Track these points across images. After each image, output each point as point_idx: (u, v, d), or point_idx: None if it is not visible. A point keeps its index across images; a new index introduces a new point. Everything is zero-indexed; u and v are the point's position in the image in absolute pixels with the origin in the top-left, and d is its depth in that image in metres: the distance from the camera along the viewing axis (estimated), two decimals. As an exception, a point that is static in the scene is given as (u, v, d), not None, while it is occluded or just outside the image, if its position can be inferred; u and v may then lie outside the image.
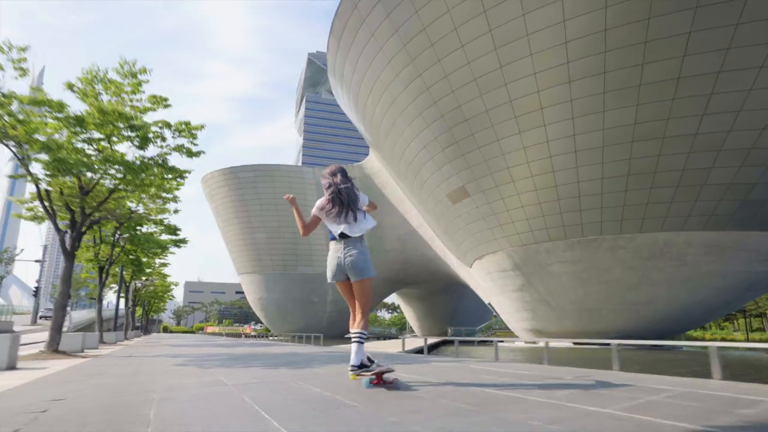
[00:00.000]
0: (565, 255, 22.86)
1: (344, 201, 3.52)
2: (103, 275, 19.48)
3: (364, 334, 3.44)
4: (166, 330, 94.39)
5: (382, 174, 42.76)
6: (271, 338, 48.72)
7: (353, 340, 3.41)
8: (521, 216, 22.85)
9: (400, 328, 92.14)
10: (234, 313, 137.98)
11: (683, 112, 17.22)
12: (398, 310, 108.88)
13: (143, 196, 15.23)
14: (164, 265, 34.00)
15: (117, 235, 19.16)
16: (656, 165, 18.65)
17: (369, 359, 3.46)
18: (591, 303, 23.92)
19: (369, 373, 3.37)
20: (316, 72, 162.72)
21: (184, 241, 21.48)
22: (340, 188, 3.56)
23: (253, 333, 66.70)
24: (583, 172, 19.93)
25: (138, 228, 18.80)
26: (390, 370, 3.42)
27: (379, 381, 3.43)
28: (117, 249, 20.20)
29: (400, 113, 24.60)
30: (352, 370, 3.37)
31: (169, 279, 44.85)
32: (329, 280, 3.66)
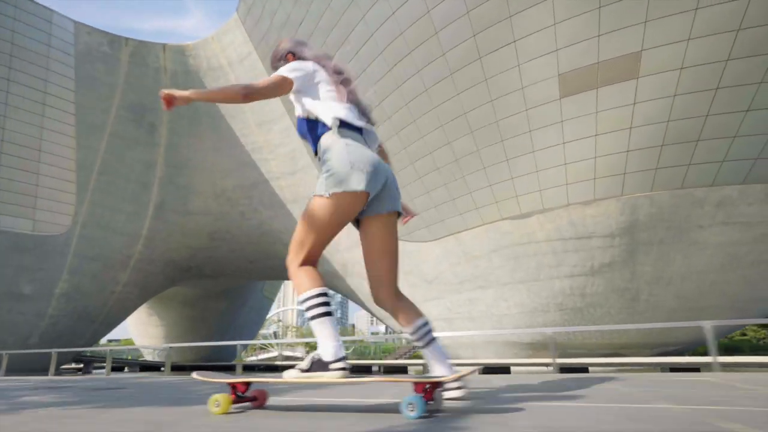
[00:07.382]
0: (745, 211, 13.70)
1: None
2: None
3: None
4: None
5: (232, 70, 23.61)
6: None
7: (430, 340, 1.90)
8: (734, 127, 12.44)
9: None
10: None
11: None
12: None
13: None
14: None
15: None
16: None
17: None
18: (709, 298, 15.52)
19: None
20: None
21: None
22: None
23: None
24: None
25: None
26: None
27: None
28: None
29: None
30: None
31: None
32: (358, 186, 1.76)
